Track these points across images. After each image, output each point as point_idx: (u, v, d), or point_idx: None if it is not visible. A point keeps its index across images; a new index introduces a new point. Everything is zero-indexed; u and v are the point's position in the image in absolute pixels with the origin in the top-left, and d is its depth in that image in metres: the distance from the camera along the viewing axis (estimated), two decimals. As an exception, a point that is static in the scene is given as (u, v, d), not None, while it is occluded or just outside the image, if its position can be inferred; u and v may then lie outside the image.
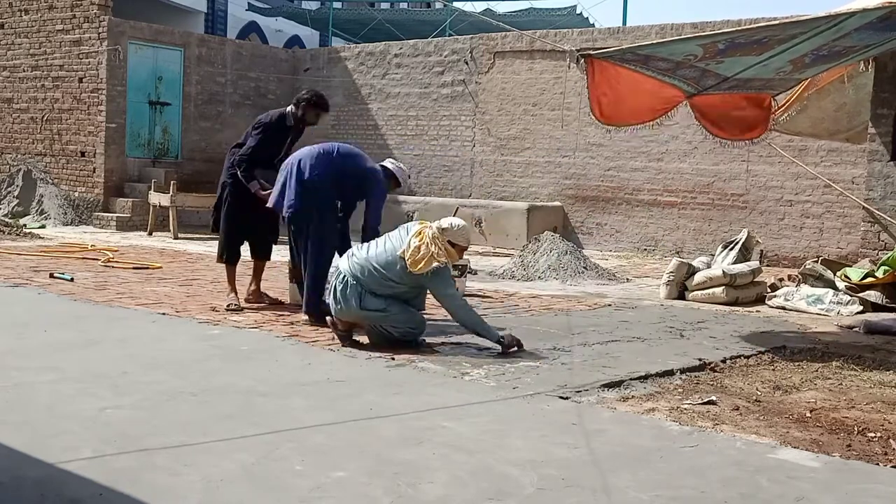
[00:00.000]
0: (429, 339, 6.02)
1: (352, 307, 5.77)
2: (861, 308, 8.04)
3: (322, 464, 3.49)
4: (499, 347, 5.74)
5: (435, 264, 5.62)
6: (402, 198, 15.48)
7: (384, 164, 7.10)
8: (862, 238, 9.33)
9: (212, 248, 12.24)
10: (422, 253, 5.65)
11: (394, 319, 5.81)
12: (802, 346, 6.36)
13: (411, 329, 5.89)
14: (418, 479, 3.36)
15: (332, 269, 6.15)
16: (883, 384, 5.28)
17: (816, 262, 8.92)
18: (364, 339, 5.94)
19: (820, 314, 7.97)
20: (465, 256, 9.73)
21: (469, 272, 9.24)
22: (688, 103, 7.62)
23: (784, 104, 8.88)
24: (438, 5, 23.96)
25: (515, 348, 5.74)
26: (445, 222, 5.89)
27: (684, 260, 9.12)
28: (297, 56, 18.44)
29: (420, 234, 5.77)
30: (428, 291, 6.01)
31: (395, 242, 5.82)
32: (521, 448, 3.78)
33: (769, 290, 8.75)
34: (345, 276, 5.83)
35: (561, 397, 4.66)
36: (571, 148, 14.34)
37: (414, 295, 5.96)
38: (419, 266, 5.63)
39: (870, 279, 8.24)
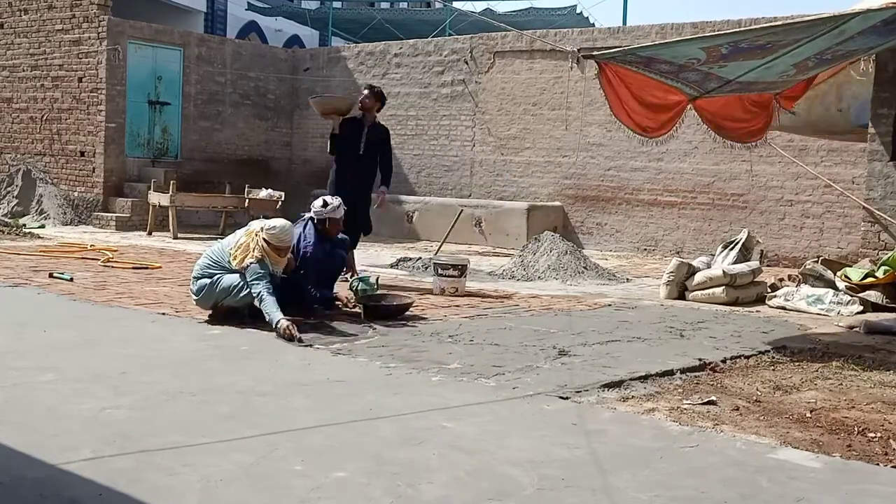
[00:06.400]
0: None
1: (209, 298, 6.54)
2: (861, 308, 8.03)
3: (322, 464, 3.49)
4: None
5: (248, 261, 6.34)
6: (402, 197, 15.49)
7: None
8: (862, 238, 9.32)
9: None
10: (241, 250, 6.45)
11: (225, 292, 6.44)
12: (802, 346, 6.36)
13: (240, 288, 6.34)
14: (418, 480, 3.35)
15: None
16: (883, 384, 5.27)
17: (816, 262, 8.91)
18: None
19: (820, 314, 7.96)
20: (465, 256, 9.76)
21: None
22: (692, 105, 7.62)
23: (786, 104, 8.87)
24: (438, 5, 23.95)
25: (285, 338, 5.97)
26: (269, 223, 6.55)
27: (684, 260, 9.12)
28: (297, 56, 18.44)
29: (250, 232, 6.54)
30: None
31: (230, 239, 6.65)
32: (521, 448, 3.78)
33: (769, 290, 8.74)
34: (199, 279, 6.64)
35: (561, 397, 4.66)
36: (571, 148, 14.34)
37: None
38: (237, 261, 6.41)
39: (870, 279, 8.23)
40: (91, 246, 11.57)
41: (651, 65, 6.76)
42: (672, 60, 6.66)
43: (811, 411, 4.57)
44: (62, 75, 15.63)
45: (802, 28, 6.03)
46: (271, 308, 6.15)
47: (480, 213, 14.22)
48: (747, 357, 5.93)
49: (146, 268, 9.60)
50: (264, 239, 6.41)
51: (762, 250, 9.98)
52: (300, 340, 5.89)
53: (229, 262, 6.46)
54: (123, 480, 3.21)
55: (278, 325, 6.00)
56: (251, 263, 6.33)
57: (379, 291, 7.30)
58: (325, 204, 7.15)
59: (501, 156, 15.03)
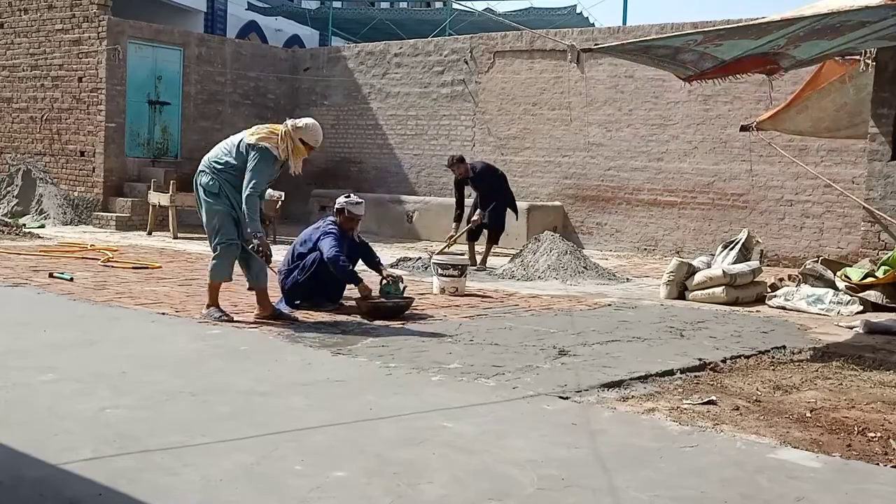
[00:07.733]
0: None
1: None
2: (861, 308, 8.04)
3: (322, 464, 3.49)
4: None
5: (265, 144, 6.35)
6: (403, 197, 15.49)
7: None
8: (862, 238, 9.32)
9: (211, 247, 12.25)
10: (265, 133, 6.44)
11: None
12: (802, 346, 6.36)
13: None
14: (418, 479, 3.35)
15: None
16: (883, 384, 5.27)
17: (816, 261, 8.91)
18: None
19: (820, 314, 7.96)
20: (464, 256, 9.75)
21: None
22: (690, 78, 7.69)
23: (786, 104, 8.87)
24: (438, 4, 23.95)
25: (261, 250, 6.34)
26: (301, 121, 6.53)
27: (684, 260, 9.12)
28: (297, 55, 18.43)
29: (270, 127, 6.55)
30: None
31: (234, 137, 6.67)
32: (521, 448, 3.78)
33: (769, 289, 8.74)
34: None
35: (561, 397, 4.66)
36: (571, 147, 14.34)
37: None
38: (256, 136, 6.39)
39: (870, 279, 8.23)
40: (91, 246, 11.57)
41: (649, 51, 6.86)
42: (669, 44, 6.76)
43: (811, 411, 4.57)
44: (62, 75, 15.62)
45: (801, 21, 6.11)
46: (253, 215, 6.34)
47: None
48: (747, 357, 5.93)
49: (146, 268, 9.60)
50: (300, 138, 6.42)
51: (762, 250, 9.97)
52: (269, 259, 6.37)
53: (235, 148, 6.49)
54: (123, 480, 3.22)
55: (257, 237, 6.30)
56: (265, 147, 6.35)
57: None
58: (348, 196, 7.45)
59: (501, 156, 15.01)
